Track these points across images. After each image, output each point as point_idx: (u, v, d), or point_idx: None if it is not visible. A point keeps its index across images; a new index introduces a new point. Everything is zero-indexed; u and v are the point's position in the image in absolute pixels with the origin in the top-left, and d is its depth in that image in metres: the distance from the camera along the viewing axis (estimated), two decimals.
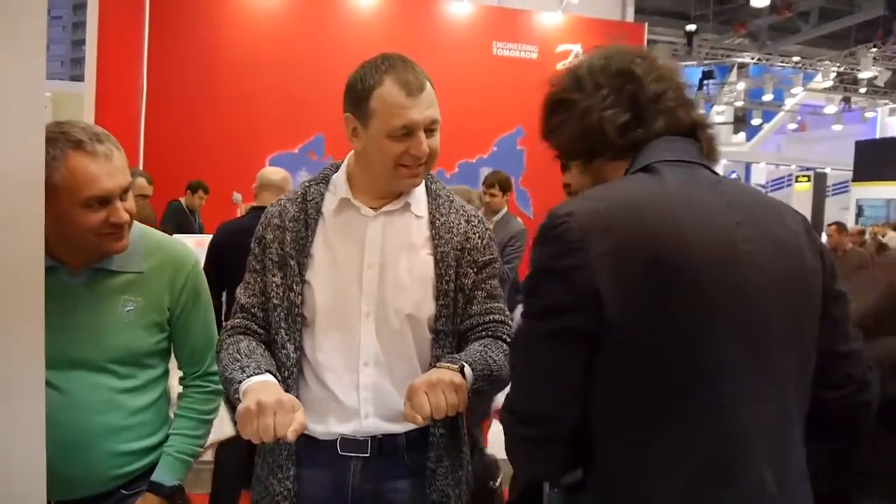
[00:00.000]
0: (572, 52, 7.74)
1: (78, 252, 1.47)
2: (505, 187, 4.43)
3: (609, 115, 1.08)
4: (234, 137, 6.74)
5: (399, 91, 1.35)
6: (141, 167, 5.92)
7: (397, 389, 1.42)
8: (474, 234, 1.49)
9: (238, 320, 1.48)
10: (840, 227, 7.63)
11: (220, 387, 1.66)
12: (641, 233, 0.95)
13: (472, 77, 7.09)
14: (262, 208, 3.22)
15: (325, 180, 1.51)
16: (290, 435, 1.18)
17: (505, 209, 4.52)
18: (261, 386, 1.28)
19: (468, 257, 1.47)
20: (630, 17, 8.82)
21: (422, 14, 7.55)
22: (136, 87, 6.62)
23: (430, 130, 1.39)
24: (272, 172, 3.41)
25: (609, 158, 1.11)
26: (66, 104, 6.06)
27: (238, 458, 3.23)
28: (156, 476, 1.54)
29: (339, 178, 1.49)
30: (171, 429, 1.61)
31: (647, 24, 8.62)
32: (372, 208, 1.46)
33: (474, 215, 1.53)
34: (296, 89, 6.83)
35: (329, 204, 1.48)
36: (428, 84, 1.39)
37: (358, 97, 1.39)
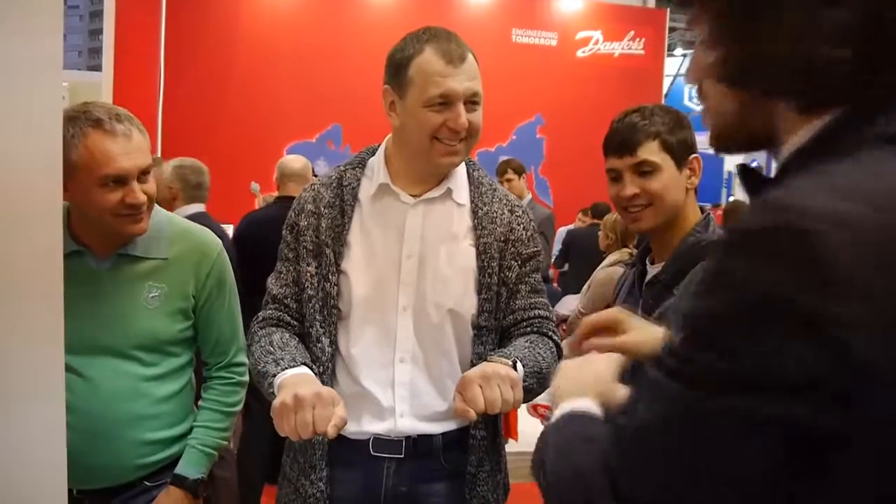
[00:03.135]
0: (592, 39, 7.65)
1: (101, 235, 1.46)
2: (518, 171, 4.37)
3: (837, 53, 0.61)
4: (251, 127, 6.73)
5: (439, 59, 1.29)
6: (159, 156, 5.92)
7: (435, 388, 1.37)
8: (518, 224, 1.42)
9: (270, 311, 1.43)
10: None
11: (245, 378, 1.65)
12: None
13: (491, 65, 6.93)
14: (289, 198, 3.24)
15: (361, 164, 1.44)
16: (331, 430, 1.13)
17: (529, 195, 4.47)
18: (297, 379, 1.22)
19: (512, 249, 1.40)
20: (651, 2, 8.67)
21: (440, 1, 7.48)
22: (154, 76, 6.62)
23: (471, 103, 1.31)
24: (293, 161, 3.38)
25: (798, 107, 0.67)
26: (83, 94, 6.06)
27: (260, 454, 3.23)
28: (179, 469, 1.52)
29: (376, 163, 1.42)
30: (195, 421, 1.59)
31: (668, 10, 8.48)
32: (412, 195, 1.39)
33: (518, 205, 1.46)
34: (313, 78, 6.80)
35: (366, 190, 1.41)
36: (470, 56, 1.32)
37: (397, 67, 1.33)
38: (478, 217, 1.40)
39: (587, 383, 0.89)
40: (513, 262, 1.40)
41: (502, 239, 1.39)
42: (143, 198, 1.42)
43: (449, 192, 1.40)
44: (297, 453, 1.42)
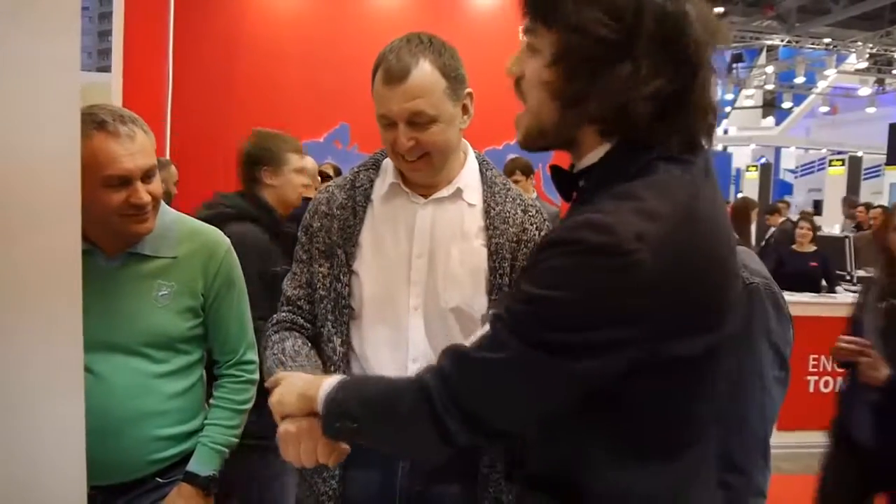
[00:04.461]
0: None
1: (109, 234, 1.48)
2: (526, 171, 4.36)
3: (643, 111, 0.88)
4: (259, 126, 6.74)
5: (381, 79, 1.29)
6: (167, 157, 5.94)
7: None
8: (531, 224, 1.40)
9: (284, 314, 1.43)
10: (885, 210, 7.46)
11: (255, 376, 1.66)
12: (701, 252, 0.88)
13: (499, 63, 6.92)
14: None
15: (375, 165, 1.45)
16: (331, 462, 1.10)
17: (535, 194, 4.46)
18: (285, 394, 1.18)
19: (524, 249, 1.38)
20: None
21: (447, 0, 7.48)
22: (163, 77, 6.64)
23: (415, 123, 1.28)
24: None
25: (601, 133, 0.93)
26: (93, 94, 6.09)
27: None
28: (191, 466, 1.54)
29: (388, 163, 1.43)
30: (206, 419, 1.61)
31: None
32: (422, 195, 1.39)
33: (532, 205, 1.44)
34: (320, 78, 6.80)
35: (378, 190, 1.41)
36: (417, 71, 1.27)
37: (371, 81, 1.34)
38: (490, 217, 1.39)
39: (296, 384, 1.10)
40: (508, 256, 1.38)
41: (514, 239, 1.38)
42: (148, 198, 1.44)
43: (459, 191, 1.40)
44: None
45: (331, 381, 1.04)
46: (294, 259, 1.46)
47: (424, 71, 1.28)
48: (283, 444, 1.10)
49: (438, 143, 1.31)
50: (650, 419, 0.91)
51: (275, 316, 1.45)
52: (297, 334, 1.40)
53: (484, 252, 1.37)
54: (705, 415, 0.94)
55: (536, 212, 1.44)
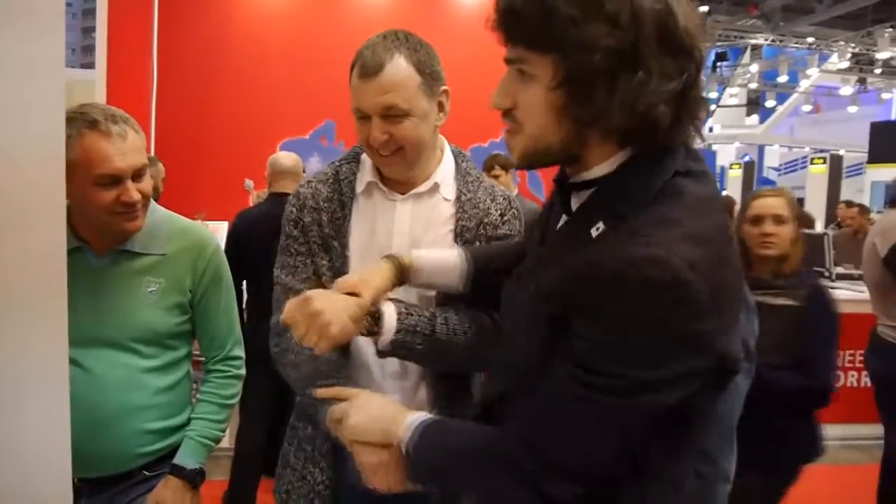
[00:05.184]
0: None
1: (99, 232, 1.50)
2: (505, 166, 4.39)
3: (665, 110, 0.87)
4: (244, 124, 6.73)
5: (356, 72, 1.31)
6: (152, 152, 5.92)
7: (428, 378, 1.39)
8: (495, 209, 1.42)
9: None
10: (862, 209, 7.57)
11: (242, 371, 1.69)
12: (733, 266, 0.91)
13: (484, 61, 6.99)
14: (281, 195, 3.25)
15: (355, 159, 1.46)
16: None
17: (516, 190, 4.49)
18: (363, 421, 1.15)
19: (482, 231, 1.40)
20: None
21: None
22: (147, 73, 6.61)
23: (389, 117, 1.30)
24: (284, 158, 3.39)
25: (602, 138, 0.91)
26: (77, 91, 6.06)
27: (257, 447, 3.26)
28: (178, 459, 1.56)
29: (366, 159, 1.44)
30: (193, 413, 1.63)
31: None
32: (399, 192, 1.41)
33: (501, 193, 1.46)
34: (306, 75, 6.79)
35: (360, 184, 1.43)
36: (391, 67, 1.28)
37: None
38: (460, 203, 1.41)
39: (377, 416, 1.08)
40: (474, 241, 1.39)
41: (479, 222, 1.40)
42: (138, 196, 1.46)
43: (436, 186, 1.42)
44: (303, 442, 1.43)
45: (412, 421, 1.03)
46: (287, 254, 1.43)
47: (399, 66, 1.29)
48: (372, 474, 1.07)
49: (411, 137, 1.32)
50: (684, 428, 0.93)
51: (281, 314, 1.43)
52: None
53: (450, 238, 1.39)
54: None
55: (503, 199, 1.45)
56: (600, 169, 0.93)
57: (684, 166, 0.90)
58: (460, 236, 1.39)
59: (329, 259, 1.39)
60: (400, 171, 1.38)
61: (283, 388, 3.10)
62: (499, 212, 1.43)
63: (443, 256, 1.28)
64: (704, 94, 0.92)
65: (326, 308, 1.13)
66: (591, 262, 0.85)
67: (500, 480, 0.93)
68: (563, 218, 0.99)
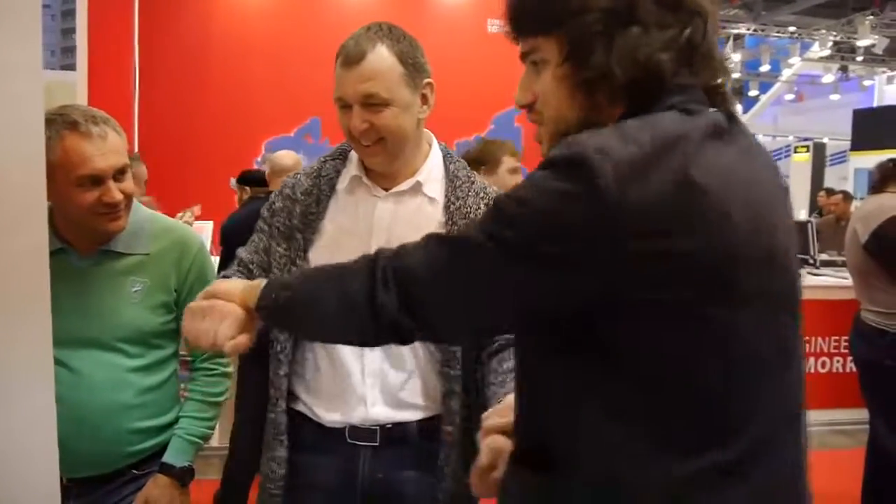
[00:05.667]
0: None
1: (82, 233, 1.51)
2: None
3: (666, 58, 0.87)
4: (229, 122, 6.70)
5: (339, 62, 1.33)
6: (136, 153, 5.88)
7: (405, 377, 1.39)
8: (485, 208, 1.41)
9: (231, 272, 1.45)
10: (846, 195, 7.65)
11: (230, 369, 1.69)
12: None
13: (467, 55, 7.04)
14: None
15: (342, 155, 1.47)
16: (229, 348, 1.02)
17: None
18: (227, 282, 1.12)
19: None
20: None
21: None
22: (129, 74, 6.56)
23: (370, 105, 1.30)
24: (285, 157, 3.39)
25: (611, 100, 0.91)
26: (58, 93, 6.02)
27: (251, 445, 3.25)
28: (166, 457, 1.57)
29: (354, 154, 1.45)
30: (181, 412, 1.63)
31: None
32: (384, 188, 1.41)
33: (493, 192, 1.45)
34: (290, 73, 6.77)
35: (343, 180, 1.44)
36: (372, 56, 1.30)
37: None
38: (450, 212, 1.39)
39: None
40: None
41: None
42: (120, 196, 1.46)
43: (419, 185, 1.41)
44: (267, 429, 1.45)
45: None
46: (255, 230, 1.48)
47: (380, 55, 1.31)
48: (188, 316, 1.05)
49: (391, 127, 1.33)
50: (647, 379, 0.83)
51: (223, 272, 1.48)
52: None
53: None
54: (714, 379, 0.83)
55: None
56: None
57: (680, 105, 0.87)
58: None
59: (286, 248, 1.41)
60: (382, 162, 1.38)
61: None
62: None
63: None
64: (720, 58, 0.92)
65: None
66: None
67: (347, 275, 0.95)
68: None
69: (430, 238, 0.92)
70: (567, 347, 0.88)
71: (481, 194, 1.43)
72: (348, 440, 1.39)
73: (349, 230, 1.40)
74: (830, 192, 8.64)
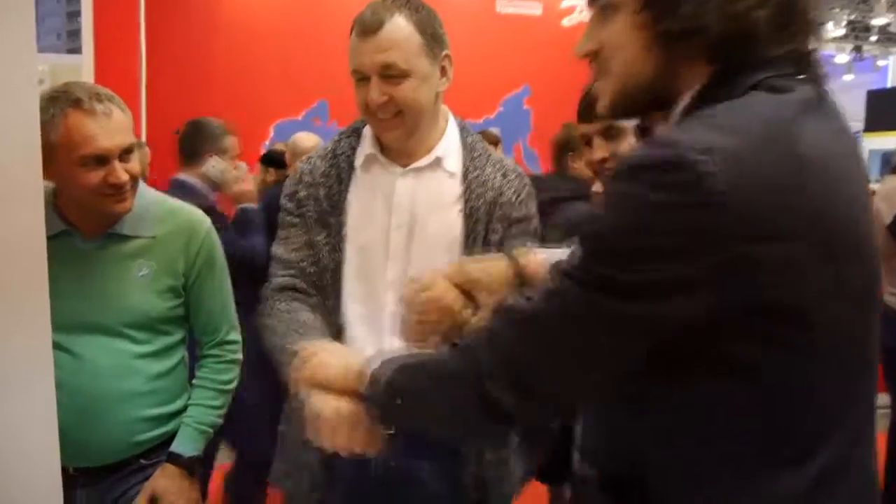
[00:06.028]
0: (577, 8, 7.58)
1: (87, 215, 1.47)
2: (493, 141, 4.38)
3: (763, 15, 0.76)
4: (236, 106, 6.63)
5: (355, 33, 1.28)
6: (143, 137, 5.86)
7: None
8: (509, 188, 1.38)
9: (285, 278, 1.37)
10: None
11: (238, 356, 1.65)
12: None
13: (476, 37, 6.96)
14: None
15: (356, 133, 1.42)
16: (374, 451, 1.00)
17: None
18: (328, 366, 1.06)
19: (499, 212, 1.35)
20: None
21: None
22: (135, 57, 6.52)
23: (386, 76, 1.25)
24: (305, 139, 3.36)
25: (691, 61, 0.80)
26: (64, 77, 5.99)
27: (266, 449, 3.25)
28: (175, 447, 1.53)
29: (367, 131, 1.40)
30: (189, 399, 1.59)
31: None
32: (401, 165, 1.37)
33: (512, 170, 1.41)
34: (297, 55, 6.72)
35: (359, 158, 1.39)
36: (390, 25, 1.24)
37: None
38: (468, 181, 1.36)
39: (341, 355, 1.02)
40: (498, 225, 1.35)
41: (491, 202, 1.35)
42: (126, 177, 1.42)
43: (438, 160, 1.37)
44: (293, 431, 1.40)
45: (378, 356, 0.95)
46: (282, 227, 1.40)
47: (398, 24, 1.26)
48: (326, 427, 0.97)
49: (410, 99, 1.28)
50: (764, 405, 0.74)
51: (273, 281, 1.39)
52: (302, 304, 1.34)
53: (461, 219, 1.35)
54: (830, 396, 0.77)
55: (515, 176, 1.40)
56: (682, 102, 0.83)
57: (767, 83, 0.76)
58: (470, 217, 1.34)
59: (326, 234, 1.35)
60: (399, 137, 1.33)
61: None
62: (513, 190, 1.38)
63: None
64: (813, 16, 0.81)
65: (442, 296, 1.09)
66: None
67: (451, 376, 0.84)
68: None
69: (514, 308, 0.80)
70: (674, 371, 0.77)
71: (497, 165, 1.40)
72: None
73: (370, 208, 1.36)
74: None
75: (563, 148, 2.58)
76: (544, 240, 1.37)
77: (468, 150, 1.39)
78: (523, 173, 1.44)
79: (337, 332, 1.34)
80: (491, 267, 1.12)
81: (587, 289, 0.73)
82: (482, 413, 0.80)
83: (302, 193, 1.38)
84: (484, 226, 1.35)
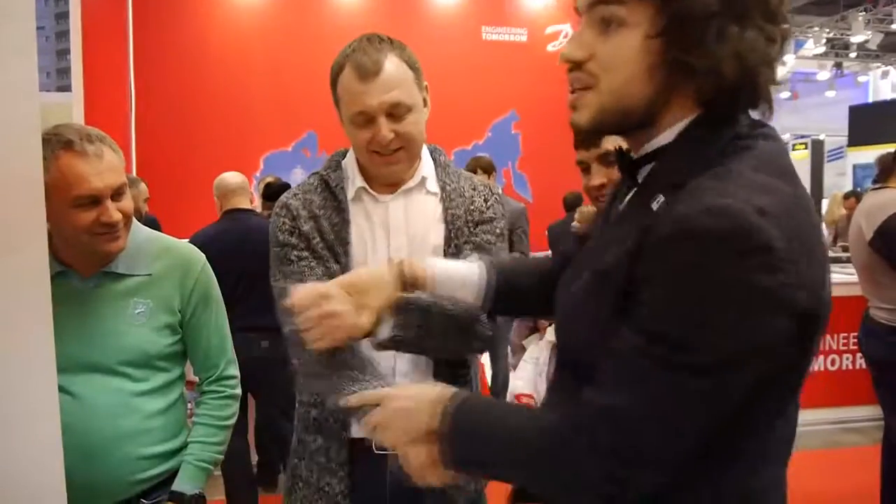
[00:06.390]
0: (562, 32, 7.68)
1: (82, 255, 1.48)
2: (487, 169, 4.43)
3: (766, 71, 0.81)
4: (226, 139, 6.69)
5: (353, 76, 1.31)
6: (134, 173, 5.87)
7: (432, 375, 1.39)
8: (479, 196, 1.46)
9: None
10: (857, 196, 7.65)
11: (238, 391, 1.65)
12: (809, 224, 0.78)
13: (463, 63, 7.05)
14: (234, 210, 3.28)
15: (338, 167, 1.46)
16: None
17: (500, 190, 4.52)
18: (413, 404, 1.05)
19: (469, 217, 1.43)
20: None
21: (409, 2, 7.49)
22: (124, 93, 6.56)
23: (393, 115, 1.31)
24: (231, 176, 3.44)
25: (688, 95, 0.83)
26: (54, 115, 6.01)
27: (246, 466, 3.25)
28: (176, 485, 1.53)
29: (349, 165, 1.45)
30: (189, 437, 1.59)
31: None
32: (388, 193, 1.42)
33: (479, 182, 1.51)
34: (285, 87, 6.77)
35: (349, 191, 1.43)
36: (389, 64, 1.30)
37: (331, 83, 1.37)
38: (446, 193, 1.44)
39: (410, 414, 0.94)
40: (465, 229, 1.42)
41: (465, 209, 1.43)
42: (118, 216, 1.43)
43: (424, 180, 1.44)
44: (316, 454, 1.41)
45: (449, 406, 0.90)
46: (287, 262, 1.38)
47: (395, 63, 1.32)
48: (421, 472, 0.95)
49: (414, 133, 1.35)
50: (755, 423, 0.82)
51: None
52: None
53: (441, 228, 1.42)
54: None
55: (484, 187, 1.49)
56: (664, 138, 0.85)
57: (746, 131, 0.82)
58: (451, 224, 1.41)
59: (339, 266, 1.37)
60: (402, 169, 1.39)
61: (264, 400, 2.98)
62: (482, 198, 1.46)
63: (459, 269, 1.18)
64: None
65: (340, 311, 1.10)
66: (649, 229, 0.76)
67: (556, 460, 0.81)
68: (627, 197, 0.91)
69: (608, 408, 0.78)
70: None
71: (469, 180, 1.49)
72: (374, 451, 1.36)
73: (369, 236, 1.41)
74: (847, 195, 8.87)
75: (571, 207, 2.66)
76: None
77: (442, 167, 1.48)
78: (492, 184, 1.54)
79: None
80: (376, 278, 1.15)
81: (669, 370, 0.74)
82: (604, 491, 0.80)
83: (305, 227, 1.39)
84: (464, 234, 1.42)
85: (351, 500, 1.39)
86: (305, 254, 1.38)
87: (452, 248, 1.40)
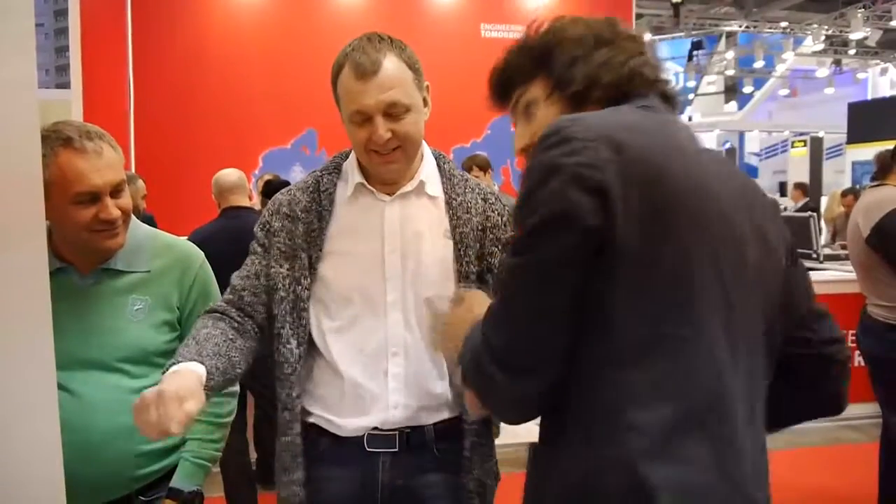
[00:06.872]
0: None
1: (81, 251, 1.48)
2: (483, 167, 4.44)
3: (640, 63, 1.05)
4: (225, 136, 6.69)
5: (352, 75, 1.32)
6: (133, 170, 5.87)
7: (426, 378, 1.40)
8: (493, 211, 1.46)
9: (221, 302, 1.44)
10: (856, 194, 7.66)
11: (236, 388, 1.65)
12: (645, 147, 0.91)
13: (462, 61, 7.03)
14: (232, 208, 3.29)
15: (336, 169, 1.47)
16: (174, 427, 1.08)
17: (497, 188, 4.52)
18: (172, 376, 1.17)
19: (491, 236, 1.43)
20: None
21: (409, 0, 7.48)
22: (123, 90, 6.56)
23: (391, 115, 1.32)
24: (229, 174, 3.46)
25: (598, 104, 1.04)
26: (53, 112, 6.01)
27: (244, 463, 3.26)
28: (174, 482, 1.53)
29: (350, 166, 1.46)
30: (188, 434, 1.59)
31: None
32: (387, 193, 1.42)
33: (491, 192, 1.49)
34: (285, 84, 6.77)
35: (343, 192, 1.44)
36: (388, 63, 1.32)
37: (332, 82, 1.38)
38: (452, 208, 1.43)
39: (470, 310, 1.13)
40: (493, 249, 1.42)
41: (480, 228, 1.42)
42: (117, 213, 1.44)
43: (422, 184, 1.43)
44: (279, 454, 1.44)
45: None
46: (249, 252, 1.47)
47: (394, 63, 1.33)
48: (136, 412, 1.12)
49: (411, 133, 1.35)
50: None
51: (214, 303, 1.46)
52: (220, 322, 1.37)
53: (450, 243, 1.41)
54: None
55: (496, 199, 1.49)
56: None
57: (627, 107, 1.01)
58: (461, 243, 1.40)
59: (290, 267, 1.39)
60: (399, 169, 1.39)
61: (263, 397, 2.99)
62: (497, 213, 1.45)
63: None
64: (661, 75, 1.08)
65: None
66: None
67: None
68: None
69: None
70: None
71: (476, 190, 1.47)
72: (367, 449, 1.38)
73: (362, 238, 1.41)
74: (846, 192, 8.87)
75: None
76: None
77: (446, 176, 1.47)
78: (501, 194, 1.53)
79: (300, 358, 1.40)
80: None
81: (515, 255, 0.93)
82: (494, 391, 0.96)
83: (276, 225, 1.43)
84: (475, 251, 1.41)
85: (345, 500, 1.40)
86: (259, 249, 1.44)
87: (464, 266, 1.40)
